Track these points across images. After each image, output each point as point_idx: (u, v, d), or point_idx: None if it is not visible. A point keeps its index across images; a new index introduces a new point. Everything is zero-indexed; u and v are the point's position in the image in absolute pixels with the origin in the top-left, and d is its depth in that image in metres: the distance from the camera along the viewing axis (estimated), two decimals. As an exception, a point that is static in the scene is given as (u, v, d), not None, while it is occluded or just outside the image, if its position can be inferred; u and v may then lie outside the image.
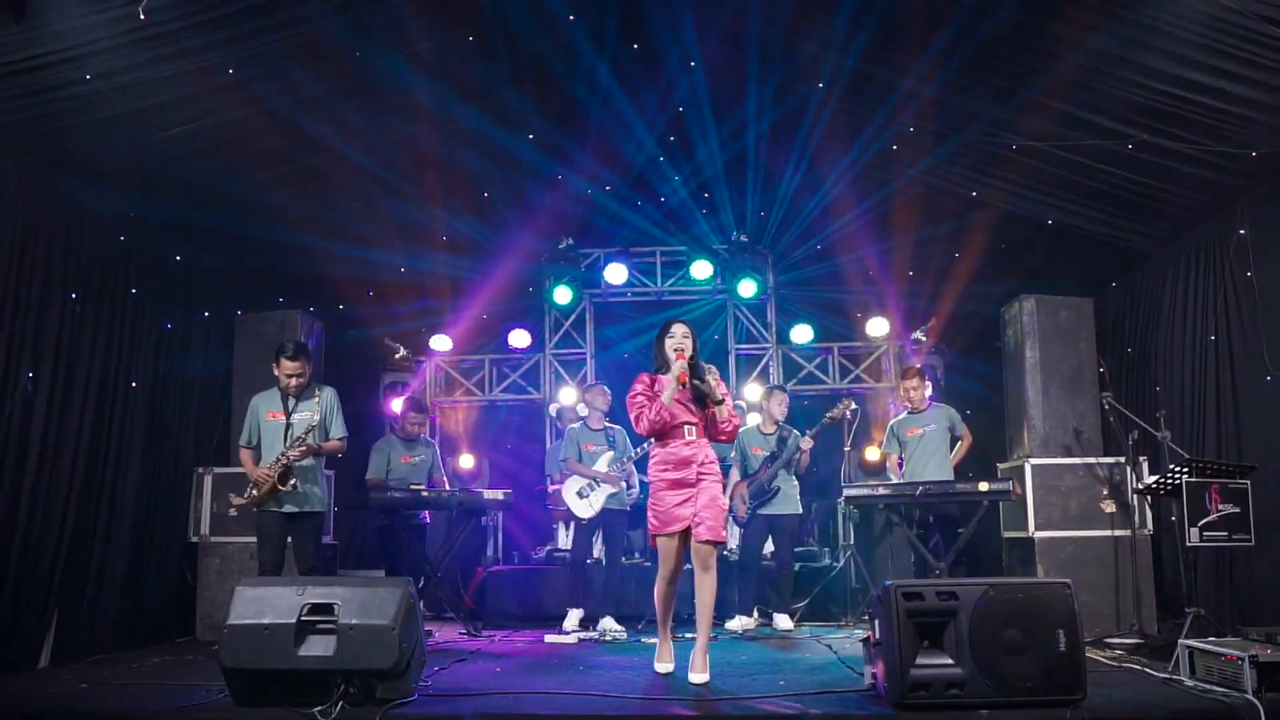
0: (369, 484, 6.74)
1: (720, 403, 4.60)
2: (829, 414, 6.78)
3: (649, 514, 4.63)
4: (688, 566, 4.60)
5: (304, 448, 5.27)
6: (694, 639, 4.58)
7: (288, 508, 5.35)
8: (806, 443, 6.72)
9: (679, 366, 4.51)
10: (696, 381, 4.60)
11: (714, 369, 4.81)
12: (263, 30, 5.05)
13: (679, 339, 4.61)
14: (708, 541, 4.46)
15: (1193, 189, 6.06)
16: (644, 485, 7.92)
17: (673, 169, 7.95)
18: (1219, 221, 6.23)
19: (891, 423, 7.07)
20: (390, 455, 6.88)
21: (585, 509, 6.77)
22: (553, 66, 6.56)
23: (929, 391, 6.93)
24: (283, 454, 5.25)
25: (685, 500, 4.50)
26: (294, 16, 5.08)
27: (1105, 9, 4.86)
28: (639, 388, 4.63)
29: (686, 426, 4.57)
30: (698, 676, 4.41)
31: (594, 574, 7.04)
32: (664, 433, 4.59)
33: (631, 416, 4.63)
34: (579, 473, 6.84)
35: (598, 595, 6.83)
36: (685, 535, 4.51)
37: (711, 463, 4.59)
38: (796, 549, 7.40)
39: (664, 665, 4.69)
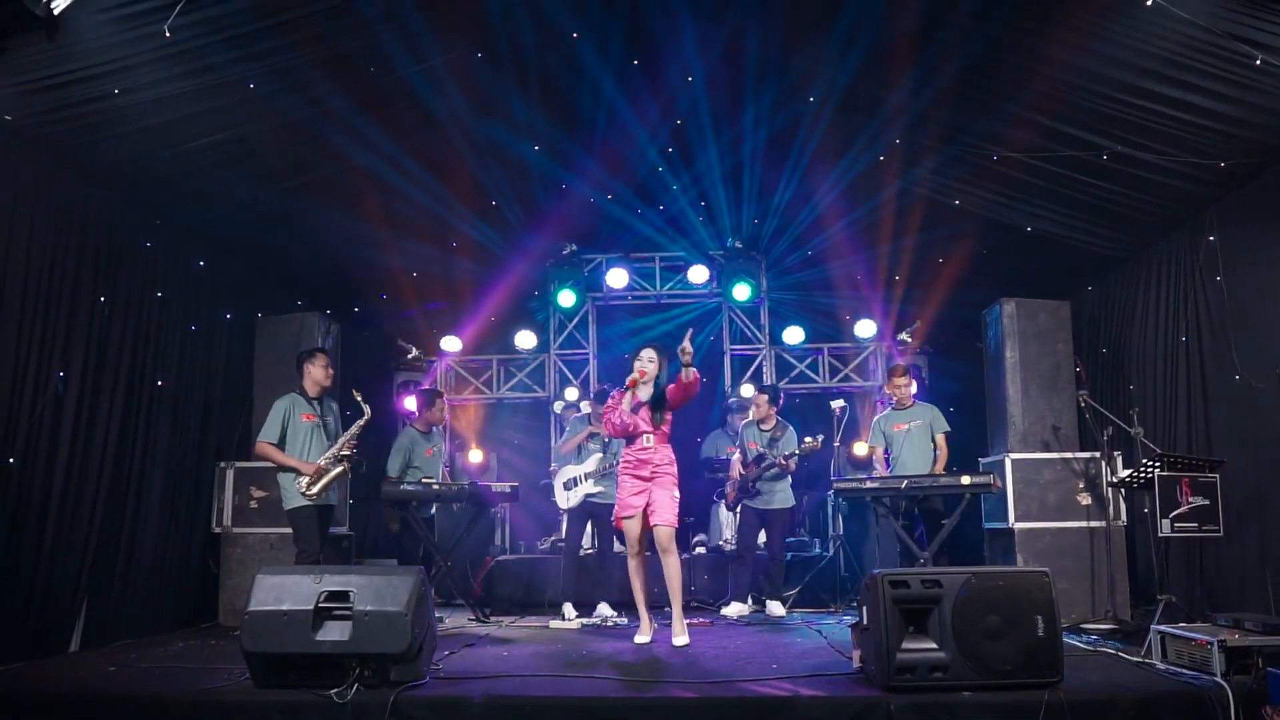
0: (387, 481, 6.71)
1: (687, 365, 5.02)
2: (801, 446, 6.75)
3: (616, 504, 5.32)
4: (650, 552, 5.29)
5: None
6: (687, 624, 5.03)
7: (322, 500, 5.57)
8: (783, 462, 6.74)
9: (631, 377, 5.21)
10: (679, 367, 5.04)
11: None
12: (282, 48, 5.05)
13: (644, 361, 5.24)
14: (659, 525, 5.11)
15: (1164, 198, 6.06)
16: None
17: (672, 178, 7.94)
18: (1189, 229, 6.24)
19: (877, 418, 7.08)
20: (413, 451, 6.88)
21: (564, 500, 6.79)
22: (558, 80, 6.54)
23: (914, 389, 6.96)
24: (345, 444, 5.60)
25: (639, 492, 5.17)
26: (311, 35, 5.07)
27: (1083, 28, 4.86)
28: (610, 401, 5.35)
29: (645, 435, 5.19)
30: (679, 640, 5.04)
31: (587, 564, 7.03)
32: (630, 438, 5.24)
33: (603, 424, 5.40)
34: (563, 449, 6.88)
35: (593, 583, 6.82)
36: (645, 521, 5.18)
37: (668, 464, 5.21)
38: (788, 540, 7.42)
39: (642, 636, 5.21)
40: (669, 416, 5.23)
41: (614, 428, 5.26)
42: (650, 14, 6.06)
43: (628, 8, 5.97)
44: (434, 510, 7.07)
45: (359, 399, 5.79)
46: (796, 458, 6.73)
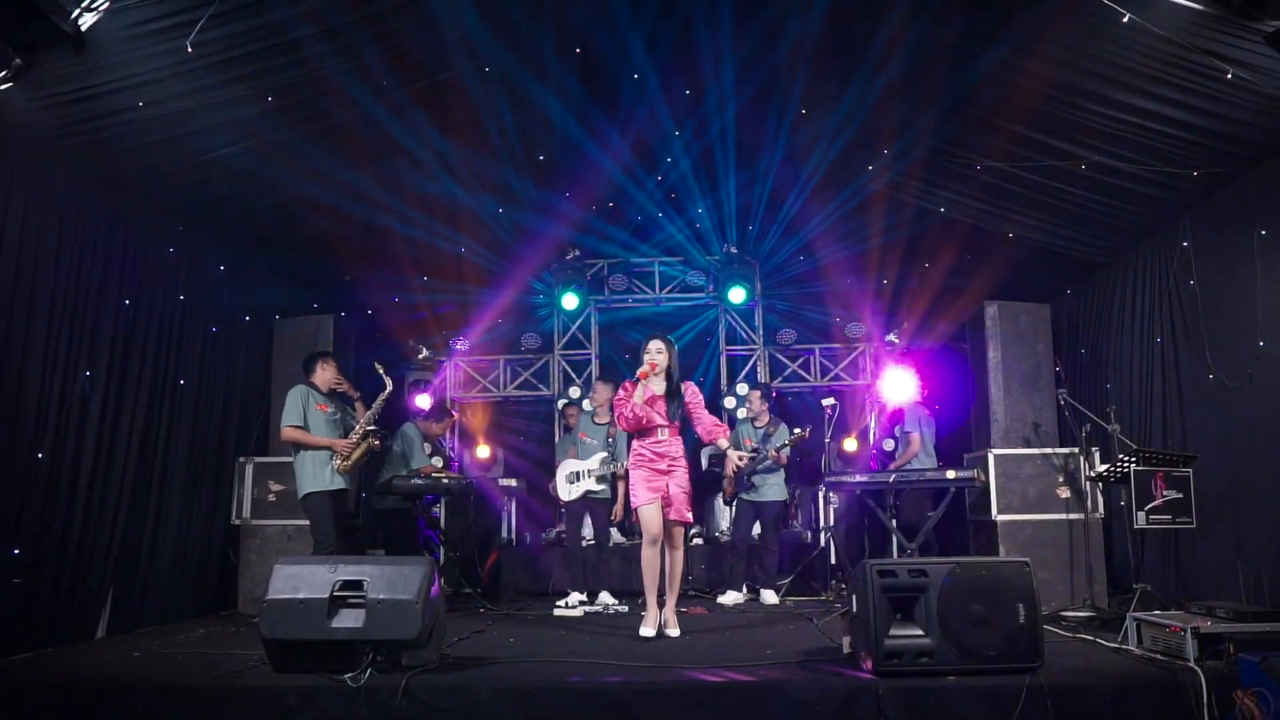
0: (423, 472, 6.74)
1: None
2: (790, 437, 6.76)
3: (630, 494, 5.06)
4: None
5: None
6: (684, 612, 4.99)
7: (338, 484, 5.54)
8: (774, 454, 6.75)
9: (642, 370, 4.99)
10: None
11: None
12: (300, 61, 5.04)
13: (653, 353, 5.01)
14: (675, 521, 4.92)
15: (1140, 206, 6.06)
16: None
17: (673, 186, 7.93)
18: (1164, 235, 6.24)
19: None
20: (414, 446, 6.91)
21: (565, 493, 6.75)
22: (568, 91, 6.47)
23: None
24: (370, 419, 5.68)
25: (655, 483, 4.94)
26: (330, 49, 5.07)
27: (1062, 43, 4.86)
28: (620, 394, 5.04)
29: (660, 429, 4.99)
30: (672, 631, 4.93)
31: (588, 555, 7.02)
32: (644, 431, 5.00)
33: (614, 416, 5.07)
34: (570, 456, 6.87)
35: (593, 573, 6.81)
36: (663, 510, 4.93)
37: (681, 457, 5.01)
38: (781, 531, 7.42)
39: (647, 629, 4.92)
40: (694, 410, 5.04)
41: (627, 421, 4.97)
42: (666, 30, 6.01)
43: (652, 19, 5.92)
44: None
45: (380, 371, 5.88)
46: (787, 449, 6.74)
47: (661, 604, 5.07)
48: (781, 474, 6.92)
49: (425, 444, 6.99)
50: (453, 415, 7.33)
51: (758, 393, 7.07)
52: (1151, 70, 4.74)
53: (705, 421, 5.07)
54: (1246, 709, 3.48)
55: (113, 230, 5.56)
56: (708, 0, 5.64)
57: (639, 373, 4.97)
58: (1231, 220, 5.51)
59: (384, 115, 5.91)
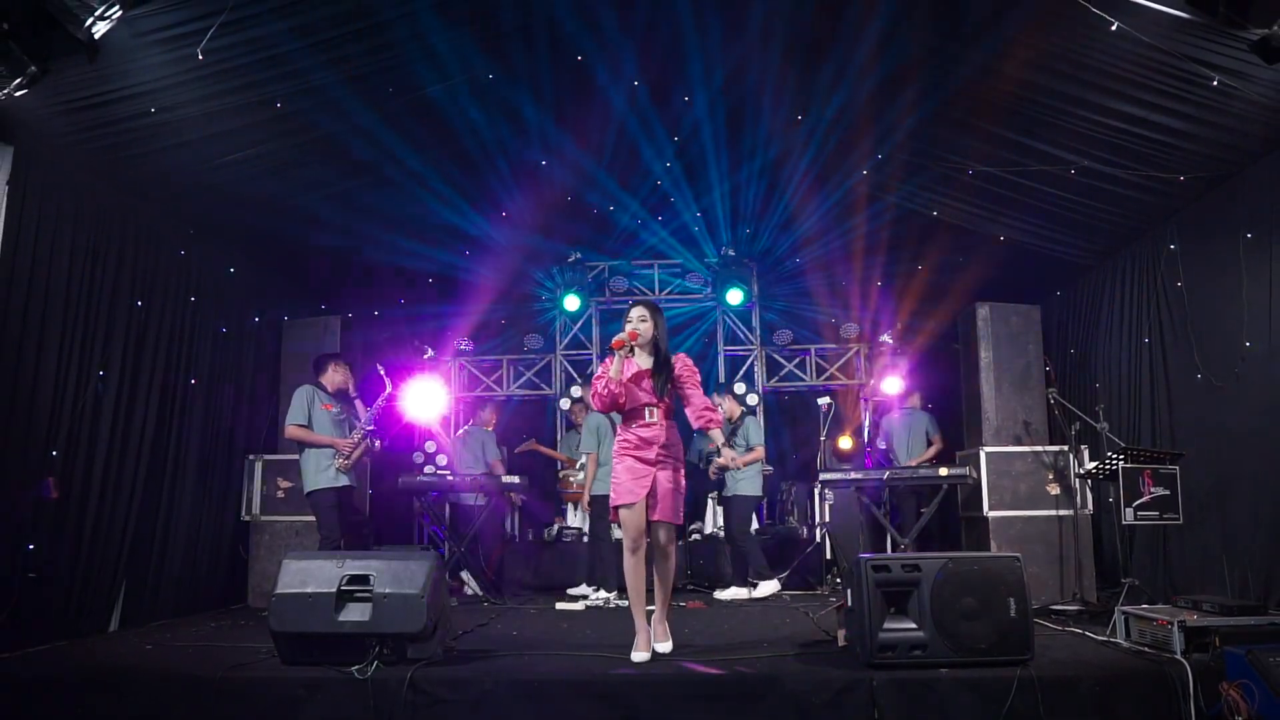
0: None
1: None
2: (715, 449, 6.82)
3: (611, 490, 4.17)
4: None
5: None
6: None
7: (342, 481, 5.62)
8: (714, 447, 6.77)
9: (618, 338, 4.07)
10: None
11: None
12: (309, 69, 5.04)
13: (634, 321, 4.14)
14: (660, 521, 4.06)
15: (1128, 209, 6.06)
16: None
17: (671, 191, 7.93)
18: (1151, 238, 6.24)
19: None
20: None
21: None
22: (569, 98, 6.50)
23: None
24: (369, 419, 5.79)
25: (642, 477, 4.06)
26: (337, 57, 5.07)
27: (1053, 51, 4.86)
28: (599, 371, 4.18)
29: (648, 408, 4.10)
30: (662, 646, 4.16)
31: (588, 550, 6.99)
32: (627, 414, 4.14)
33: (590, 395, 4.22)
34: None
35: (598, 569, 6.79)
36: (646, 511, 4.09)
37: (673, 445, 4.12)
38: (778, 526, 7.42)
39: (640, 654, 4.02)
40: (686, 386, 4.17)
41: (602, 400, 4.07)
42: (658, 41, 6.02)
43: (642, 30, 5.92)
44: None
45: (382, 373, 5.95)
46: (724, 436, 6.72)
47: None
48: (756, 469, 6.88)
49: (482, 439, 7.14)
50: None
51: (716, 395, 7.07)
52: (1139, 77, 4.74)
53: (697, 403, 4.14)
54: (1232, 700, 3.48)
55: (125, 233, 5.56)
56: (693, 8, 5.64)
57: (614, 341, 4.05)
58: (1218, 224, 5.50)
59: (393, 121, 5.91)
